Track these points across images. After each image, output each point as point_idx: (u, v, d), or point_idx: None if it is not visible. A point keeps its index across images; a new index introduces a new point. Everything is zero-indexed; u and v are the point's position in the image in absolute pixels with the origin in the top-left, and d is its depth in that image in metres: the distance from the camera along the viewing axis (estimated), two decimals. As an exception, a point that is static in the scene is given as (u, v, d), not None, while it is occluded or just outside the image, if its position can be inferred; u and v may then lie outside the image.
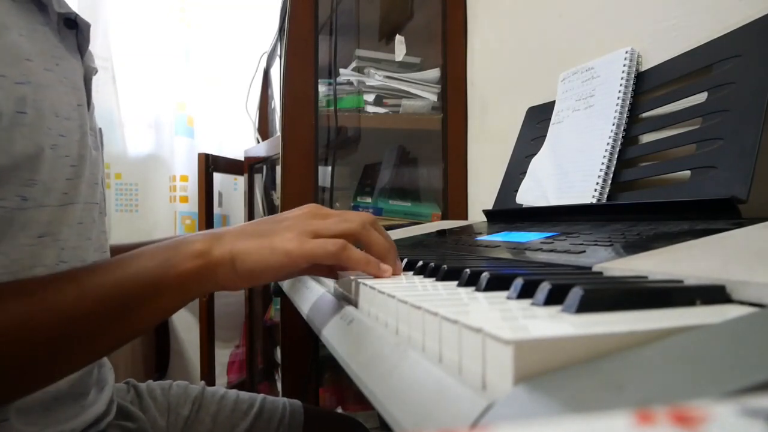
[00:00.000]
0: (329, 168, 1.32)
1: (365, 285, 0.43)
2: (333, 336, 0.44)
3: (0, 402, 0.48)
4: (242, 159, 1.81)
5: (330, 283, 0.58)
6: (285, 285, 0.79)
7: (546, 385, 0.20)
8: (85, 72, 0.62)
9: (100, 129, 0.65)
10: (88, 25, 0.62)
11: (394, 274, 0.49)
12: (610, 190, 0.72)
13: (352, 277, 0.47)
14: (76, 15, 0.60)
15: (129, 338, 0.48)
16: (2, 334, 0.42)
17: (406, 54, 1.35)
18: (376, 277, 0.48)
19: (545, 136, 0.87)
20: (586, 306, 0.27)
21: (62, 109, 0.54)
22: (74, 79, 0.58)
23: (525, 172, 0.89)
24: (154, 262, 0.46)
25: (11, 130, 0.48)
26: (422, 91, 1.33)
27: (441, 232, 0.88)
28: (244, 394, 0.81)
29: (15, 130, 0.48)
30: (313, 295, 0.59)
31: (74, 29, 0.61)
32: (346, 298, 0.49)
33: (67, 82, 0.56)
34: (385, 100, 1.32)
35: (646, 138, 0.72)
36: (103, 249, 0.62)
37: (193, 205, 1.91)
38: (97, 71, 0.65)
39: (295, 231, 0.47)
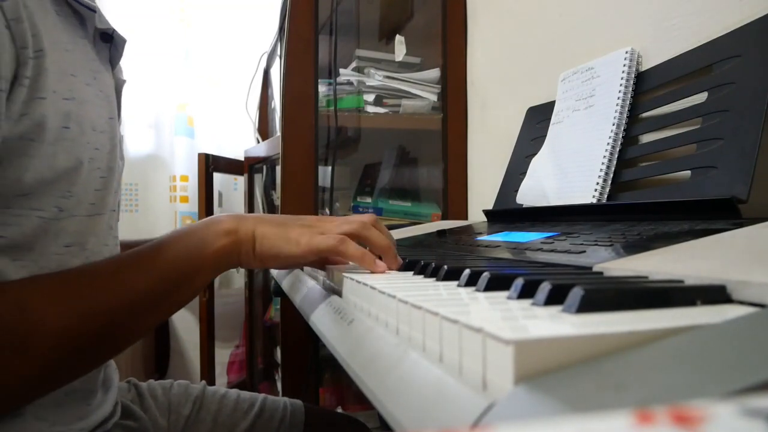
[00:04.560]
0: (329, 168, 1.32)
1: (351, 279, 0.48)
2: (329, 331, 0.44)
3: (69, 379, 0.52)
4: (242, 159, 1.81)
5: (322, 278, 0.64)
6: (285, 285, 0.79)
7: (546, 385, 0.20)
8: (115, 84, 0.63)
9: (121, 137, 0.66)
10: (123, 41, 0.63)
11: (392, 268, 0.56)
12: (610, 190, 0.72)
13: (343, 274, 0.52)
14: (114, 30, 0.61)
15: (173, 312, 0.56)
16: (85, 320, 0.47)
17: (406, 54, 1.35)
18: (372, 271, 0.53)
19: (545, 136, 0.87)
20: (586, 306, 0.27)
21: (98, 122, 0.55)
22: (107, 92, 0.60)
23: (525, 172, 0.89)
24: (193, 241, 0.53)
25: (56, 145, 0.49)
26: (422, 91, 1.33)
27: (441, 232, 0.88)
28: (245, 394, 0.81)
29: (59, 144, 0.50)
30: (306, 289, 0.63)
31: (109, 43, 0.62)
32: (333, 290, 0.54)
33: (102, 95, 0.58)
34: (385, 100, 1.32)
35: (646, 138, 0.72)
36: (112, 253, 0.62)
37: (193, 205, 1.92)
38: (125, 82, 0.67)
39: (306, 227, 0.55)
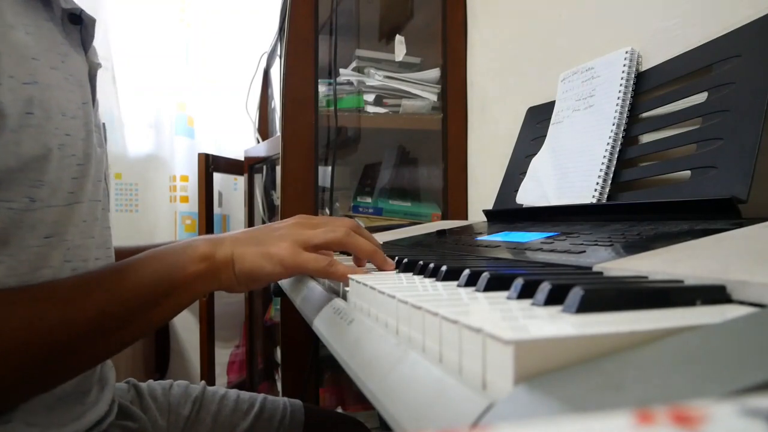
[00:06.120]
0: (329, 168, 1.32)
1: (351, 279, 0.48)
2: (329, 331, 0.44)
3: (30, 395, 0.51)
4: (242, 159, 1.81)
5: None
6: (285, 285, 0.79)
7: (546, 385, 0.20)
8: (89, 68, 0.61)
9: (103, 124, 0.64)
10: (93, 21, 0.61)
11: (386, 269, 0.55)
12: (610, 190, 0.72)
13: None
14: (81, 10, 0.59)
15: (140, 336, 0.53)
16: (42, 336, 0.46)
17: (406, 54, 1.35)
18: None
19: (545, 136, 0.87)
20: (586, 306, 0.27)
21: (68, 108, 0.53)
22: (79, 76, 0.57)
23: (525, 172, 0.89)
24: (164, 265, 0.51)
25: (19, 132, 0.47)
26: (422, 91, 1.33)
27: (441, 232, 0.88)
28: (245, 394, 0.81)
29: (23, 131, 0.48)
30: (306, 290, 0.62)
31: (78, 24, 0.60)
32: (333, 290, 0.54)
33: (73, 79, 0.55)
34: (385, 100, 1.32)
35: (646, 138, 0.72)
36: (106, 245, 0.61)
37: (193, 205, 1.91)
38: (101, 66, 0.64)
39: (288, 240, 0.53)
